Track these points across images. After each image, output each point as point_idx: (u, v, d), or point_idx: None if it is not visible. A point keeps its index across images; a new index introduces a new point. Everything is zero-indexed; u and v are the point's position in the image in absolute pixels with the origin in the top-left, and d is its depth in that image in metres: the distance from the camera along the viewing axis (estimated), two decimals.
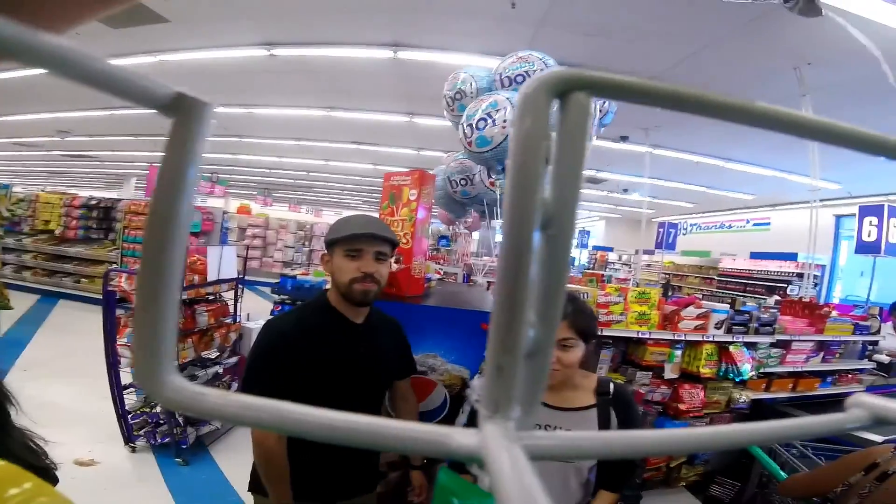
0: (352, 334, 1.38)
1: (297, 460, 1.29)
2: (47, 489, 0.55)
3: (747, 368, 2.66)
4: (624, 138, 6.78)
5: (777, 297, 8.13)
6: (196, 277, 3.19)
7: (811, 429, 0.23)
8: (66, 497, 0.57)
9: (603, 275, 8.29)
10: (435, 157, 8.16)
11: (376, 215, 1.89)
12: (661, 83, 0.16)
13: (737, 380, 2.70)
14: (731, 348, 2.65)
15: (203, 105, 0.15)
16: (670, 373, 2.59)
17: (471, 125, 2.63)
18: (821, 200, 5.15)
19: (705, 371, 2.59)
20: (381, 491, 1.60)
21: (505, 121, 2.51)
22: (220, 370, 3.38)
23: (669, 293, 5.96)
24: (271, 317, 1.44)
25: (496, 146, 2.54)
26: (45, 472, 1.13)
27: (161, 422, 2.93)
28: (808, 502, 1.53)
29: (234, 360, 3.58)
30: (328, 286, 1.43)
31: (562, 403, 1.24)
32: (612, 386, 1.30)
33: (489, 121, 2.56)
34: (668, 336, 2.52)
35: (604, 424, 1.24)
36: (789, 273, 8.99)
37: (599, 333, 2.40)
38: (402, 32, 4.34)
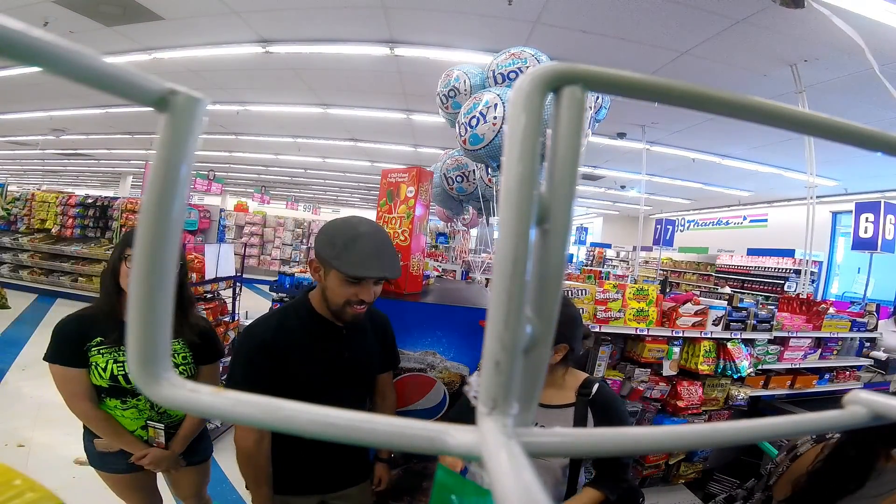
0: (335, 339, 1.33)
1: (289, 453, 1.29)
2: (37, 486, 0.55)
3: (745, 365, 2.67)
4: (621, 135, 6.78)
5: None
6: (194, 276, 3.18)
7: (811, 426, 0.23)
8: (54, 493, 0.58)
9: (601, 271, 8.30)
10: (432, 154, 8.15)
11: (373, 215, 1.86)
12: (654, 77, 0.16)
13: (735, 376, 2.71)
14: (729, 345, 2.66)
15: (195, 100, 0.15)
16: (668, 369, 2.59)
17: (464, 123, 2.62)
18: (817, 197, 5.16)
19: (703, 368, 2.60)
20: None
21: (496, 118, 2.50)
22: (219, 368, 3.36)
23: (667, 290, 5.97)
24: (250, 322, 1.40)
25: (488, 143, 2.54)
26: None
27: None
28: None
29: None
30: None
31: (541, 400, 1.24)
32: (595, 387, 1.26)
33: (481, 119, 2.55)
34: (666, 333, 2.53)
35: (579, 424, 1.20)
36: (786, 269, 9.02)
37: (597, 331, 2.40)
38: (399, 30, 4.33)
